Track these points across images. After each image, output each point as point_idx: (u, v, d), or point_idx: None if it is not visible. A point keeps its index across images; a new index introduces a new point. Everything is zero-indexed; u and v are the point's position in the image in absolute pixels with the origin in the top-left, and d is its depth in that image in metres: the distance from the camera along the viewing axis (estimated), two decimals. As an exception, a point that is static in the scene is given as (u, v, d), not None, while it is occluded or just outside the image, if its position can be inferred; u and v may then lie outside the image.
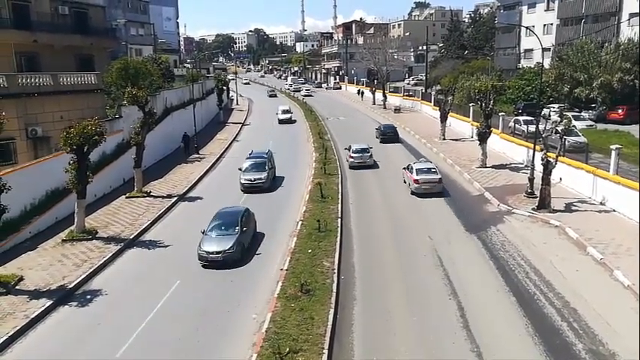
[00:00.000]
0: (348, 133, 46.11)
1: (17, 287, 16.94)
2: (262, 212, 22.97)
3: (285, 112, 56.62)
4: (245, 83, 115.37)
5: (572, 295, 15.28)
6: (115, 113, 32.05)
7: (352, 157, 33.45)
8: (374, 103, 66.58)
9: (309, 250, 18.88)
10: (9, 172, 20.38)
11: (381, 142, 40.32)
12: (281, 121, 54.61)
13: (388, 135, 40.72)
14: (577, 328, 13.62)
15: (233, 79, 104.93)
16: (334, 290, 15.87)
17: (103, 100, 33.03)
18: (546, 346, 12.91)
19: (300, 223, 22.06)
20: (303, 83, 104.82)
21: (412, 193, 26.36)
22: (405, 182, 28.02)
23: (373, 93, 68.72)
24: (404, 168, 28.64)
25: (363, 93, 76.08)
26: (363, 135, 43.32)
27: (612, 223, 20.66)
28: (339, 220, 22.51)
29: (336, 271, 17.28)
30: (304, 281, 15.83)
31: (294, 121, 54.96)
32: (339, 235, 20.64)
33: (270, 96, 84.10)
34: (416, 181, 25.91)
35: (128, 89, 28.68)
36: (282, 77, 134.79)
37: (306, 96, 79.56)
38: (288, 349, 12.15)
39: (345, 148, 35.70)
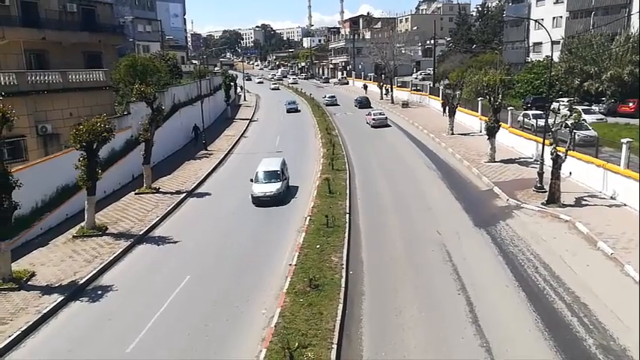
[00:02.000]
0: (355, 127, 47.50)
1: (29, 283, 17.18)
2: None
3: (269, 175, 25.82)
4: (274, 88, 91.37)
5: (582, 290, 15.18)
6: (124, 110, 32.20)
7: (327, 100, 64.62)
8: (381, 98, 66.38)
9: (318, 246, 18.92)
10: (20, 169, 20.51)
11: (359, 109, 58.20)
12: (258, 202, 24.91)
13: (363, 103, 59.96)
14: (587, 324, 13.54)
15: (261, 82, 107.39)
16: (343, 285, 15.90)
17: (112, 96, 33.17)
18: (556, 342, 12.84)
19: (309, 218, 22.08)
20: (299, 77, 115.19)
21: (372, 126, 46.24)
22: (367, 123, 47.61)
23: (381, 88, 68.56)
24: (366, 115, 49.18)
25: (366, 87, 78.72)
26: (365, 127, 44.74)
27: (623, 218, 20.47)
28: (347, 215, 22.52)
29: (344, 266, 17.30)
30: (313, 276, 15.86)
31: (290, 197, 26.06)
32: (347, 230, 20.65)
33: (289, 111, 60.02)
34: (373, 119, 46.66)
35: (136, 86, 28.75)
36: (268, 68, 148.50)
37: (292, 83, 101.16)
38: (297, 344, 12.17)
39: (323, 97, 66.68)
